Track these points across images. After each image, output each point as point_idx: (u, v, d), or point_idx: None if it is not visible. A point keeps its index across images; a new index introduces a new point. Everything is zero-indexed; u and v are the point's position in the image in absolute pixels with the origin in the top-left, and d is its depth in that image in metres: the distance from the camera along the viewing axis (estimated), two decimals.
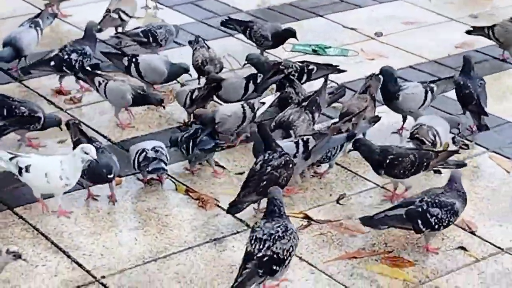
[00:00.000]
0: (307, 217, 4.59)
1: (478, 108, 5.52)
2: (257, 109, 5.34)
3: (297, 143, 4.86)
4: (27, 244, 4.32)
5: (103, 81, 5.51)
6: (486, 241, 4.24)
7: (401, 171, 4.51)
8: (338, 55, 6.50)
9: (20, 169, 4.44)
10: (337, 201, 4.75)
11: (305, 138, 4.88)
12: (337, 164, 5.17)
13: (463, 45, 6.76)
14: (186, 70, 6.18)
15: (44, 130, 5.22)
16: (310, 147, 4.83)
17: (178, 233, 4.33)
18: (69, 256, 4.21)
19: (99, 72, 5.85)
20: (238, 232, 4.31)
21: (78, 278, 4.06)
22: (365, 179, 5.07)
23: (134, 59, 5.90)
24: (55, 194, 4.49)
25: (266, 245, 3.76)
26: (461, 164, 4.59)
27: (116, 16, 7.00)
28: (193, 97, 5.48)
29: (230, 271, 4.02)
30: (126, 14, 7.07)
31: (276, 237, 3.76)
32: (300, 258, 4.26)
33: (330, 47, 6.68)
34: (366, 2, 7.70)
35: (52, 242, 4.35)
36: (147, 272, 4.01)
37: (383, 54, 6.54)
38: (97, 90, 5.57)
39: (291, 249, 3.82)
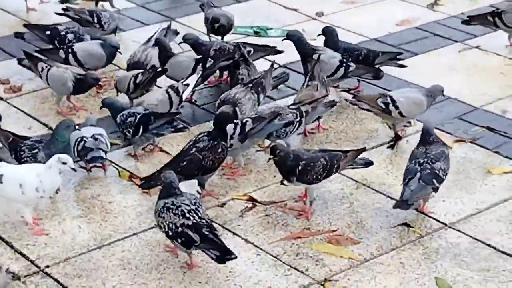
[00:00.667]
0: (251, 199, 4.62)
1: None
2: (182, 92, 5.33)
3: (235, 124, 4.90)
4: None
5: (46, 67, 5.42)
6: (430, 217, 4.30)
7: (314, 176, 4.43)
8: (280, 36, 6.41)
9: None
10: (281, 182, 4.74)
11: (244, 120, 4.94)
12: None
13: (403, 22, 6.84)
14: (117, 48, 6.07)
15: None
16: (246, 130, 4.88)
17: (123, 220, 4.33)
18: (12, 247, 4.18)
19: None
20: None
21: (22, 268, 4.01)
22: None
23: (70, 50, 5.79)
24: (25, 205, 4.33)
25: (200, 214, 3.99)
26: (369, 163, 4.59)
27: None
28: (137, 81, 5.40)
29: (176, 256, 4.03)
30: None
31: (198, 206, 4.03)
32: (246, 240, 4.30)
33: (271, 28, 6.70)
34: None
35: (14, 248, 4.25)
36: (92, 259, 4.01)
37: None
38: (40, 76, 5.45)
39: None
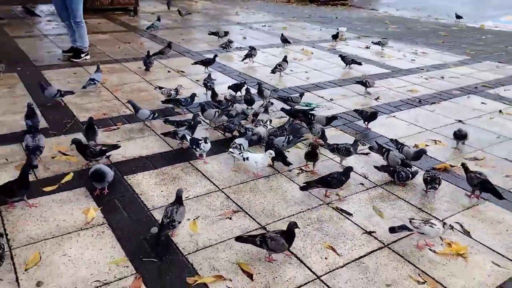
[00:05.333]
0: (301, 169, 4.50)
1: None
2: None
3: (285, 138, 4.70)
4: (197, 184, 4.14)
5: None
6: None
7: None
8: (317, 107, 6.54)
9: (244, 158, 4.28)
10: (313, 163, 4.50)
11: (289, 137, 4.74)
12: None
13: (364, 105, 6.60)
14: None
15: None
16: (290, 140, 4.73)
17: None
18: (222, 191, 4.08)
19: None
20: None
21: (226, 204, 3.86)
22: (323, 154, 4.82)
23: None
24: (255, 169, 4.31)
25: None
26: None
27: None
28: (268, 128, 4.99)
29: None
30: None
31: None
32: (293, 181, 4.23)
33: (313, 103, 6.64)
34: (326, 87, 7.52)
35: (210, 181, 4.19)
36: None
37: (334, 107, 6.55)
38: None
39: None
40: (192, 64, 7.87)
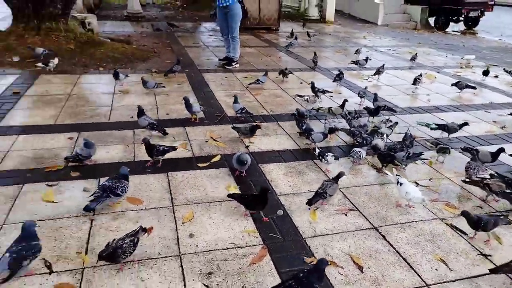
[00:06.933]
0: (416, 183, 4.16)
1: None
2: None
3: (407, 152, 4.35)
4: (319, 180, 4.19)
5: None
6: None
7: None
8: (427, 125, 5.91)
9: (398, 182, 3.70)
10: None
11: (410, 153, 4.36)
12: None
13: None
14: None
15: None
16: (410, 155, 4.35)
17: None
18: (339, 190, 3.91)
19: None
20: None
21: (342, 201, 3.86)
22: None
23: None
24: (401, 197, 3.65)
25: None
26: None
27: None
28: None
29: None
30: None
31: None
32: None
33: (432, 124, 5.85)
34: (447, 110, 7.05)
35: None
36: None
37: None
38: None
39: None
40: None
